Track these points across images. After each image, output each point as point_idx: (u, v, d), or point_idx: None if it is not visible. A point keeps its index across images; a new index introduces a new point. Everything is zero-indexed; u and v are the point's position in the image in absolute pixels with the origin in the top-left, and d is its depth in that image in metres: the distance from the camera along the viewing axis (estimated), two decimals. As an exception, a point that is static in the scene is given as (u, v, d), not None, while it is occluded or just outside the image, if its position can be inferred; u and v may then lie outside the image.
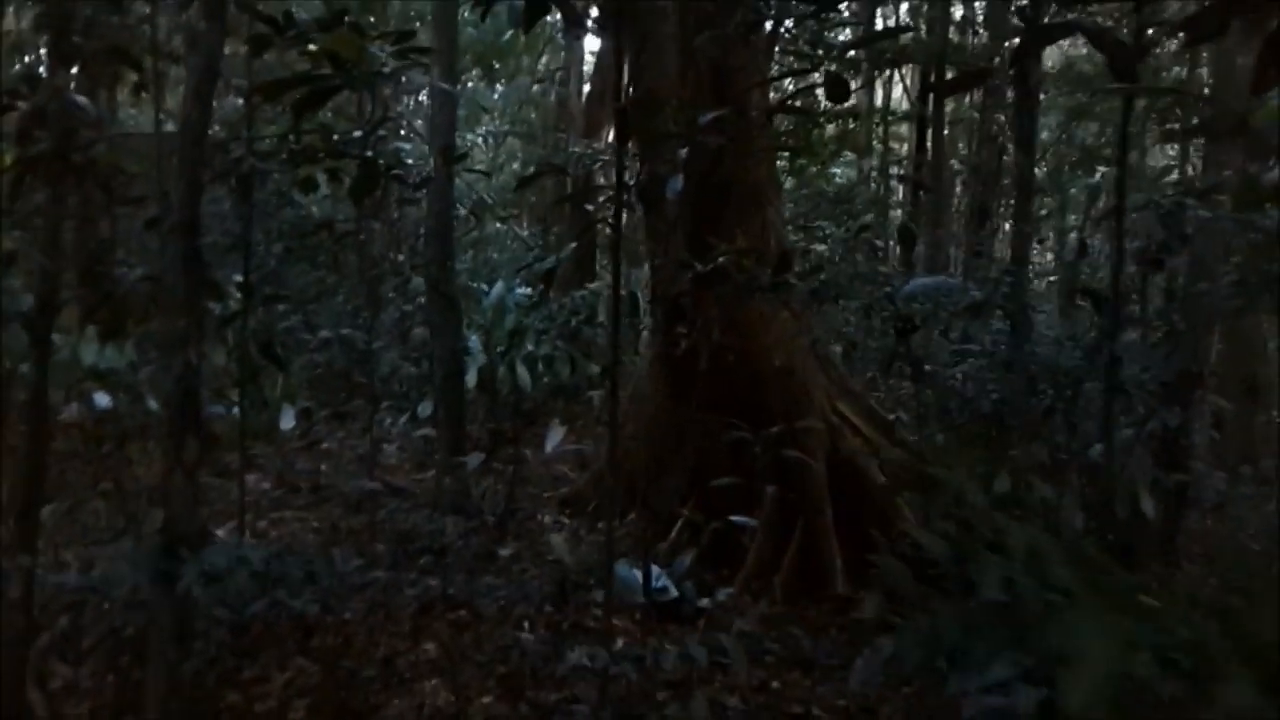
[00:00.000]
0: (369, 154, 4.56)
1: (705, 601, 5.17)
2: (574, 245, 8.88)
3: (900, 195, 23.89)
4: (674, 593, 5.14)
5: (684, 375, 6.20)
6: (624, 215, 6.97)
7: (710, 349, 5.75)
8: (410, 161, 7.78)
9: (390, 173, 4.47)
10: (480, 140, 22.92)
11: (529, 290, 10.79)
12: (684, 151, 3.80)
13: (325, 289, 10.81)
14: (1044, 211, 21.75)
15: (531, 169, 24.34)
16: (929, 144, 19.29)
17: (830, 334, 7.57)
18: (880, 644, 2.72)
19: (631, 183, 5.61)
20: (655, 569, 5.38)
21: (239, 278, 5.76)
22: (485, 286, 11.56)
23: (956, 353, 4.99)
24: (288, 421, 7.65)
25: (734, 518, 4.83)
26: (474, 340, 8.76)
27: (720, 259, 4.07)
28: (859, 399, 6.62)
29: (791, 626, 5.14)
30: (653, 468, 6.55)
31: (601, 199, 6.73)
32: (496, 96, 23.20)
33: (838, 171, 21.32)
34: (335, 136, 5.81)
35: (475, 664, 4.37)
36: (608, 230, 6.86)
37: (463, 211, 12.94)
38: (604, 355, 11.27)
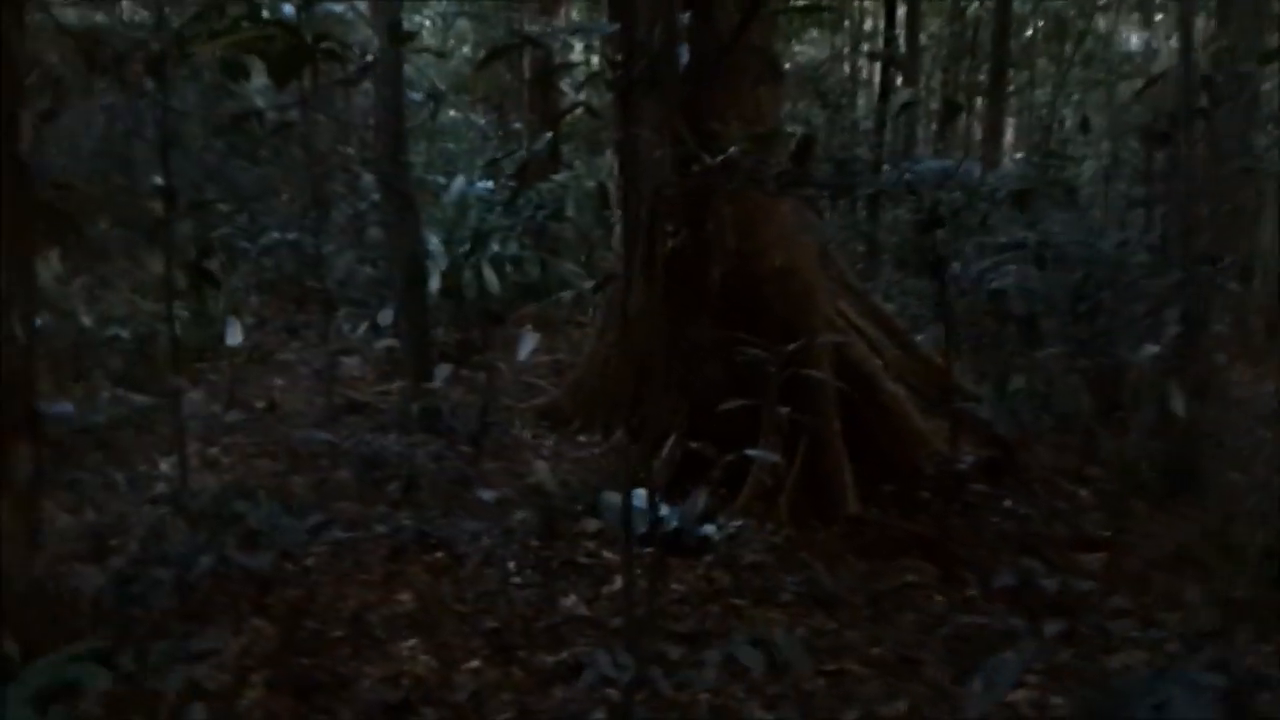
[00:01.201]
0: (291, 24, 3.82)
1: (709, 529, 4.68)
2: (549, 134, 8.08)
3: (865, 74, 22.99)
4: (674, 522, 4.63)
5: (673, 277, 5.61)
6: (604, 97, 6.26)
7: (717, 250, 5.16)
8: (353, 43, 6.97)
9: (319, 45, 3.73)
10: (427, 23, 21.63)
11: (491, 184, 10.04)
12: (686, 16, 3.13)
13: (268, 188, 10.00)
14: (1011, 87, 20.92)
15: (483, 52, 23.08)
16: (898, 18, 18.42)
17: (839, 229, 6.97)
18: (1003, 662, 2.20)
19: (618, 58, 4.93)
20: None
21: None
22: (442, 180, 10.78)
23: (980, 246, 4.43)
24: (234, 336, 6.98)
25: (750, 451, 4.28)
26: (435, 241, 8.06)
27: (733, 147, 3.44)
28: (863, 299, 6.08)
29: (803, 553, 4.68)
30: (640, 379, 6.00)
31: (583, 78, 5.97)
32: (442, -25, 21.82)
33: (798, 50, 20.36)
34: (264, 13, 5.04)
35: (457, 617, 3.86)
36: (582, 114, 6.18)
37: (416, 97, 12.05)
38: (574, 253, 10.61)
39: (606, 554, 4.55)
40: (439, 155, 15.52)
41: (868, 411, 5.46)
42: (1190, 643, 3.60)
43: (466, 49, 22.35)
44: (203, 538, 4.31)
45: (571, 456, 6.12)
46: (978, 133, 19.62)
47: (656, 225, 5.50)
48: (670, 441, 5.69)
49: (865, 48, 21.55)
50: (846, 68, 20.70)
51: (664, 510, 4.79)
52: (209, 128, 12.00)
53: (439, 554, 4.42)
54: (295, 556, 4.29)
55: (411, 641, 3.66)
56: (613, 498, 4.72)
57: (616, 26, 4.90)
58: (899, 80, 18.00)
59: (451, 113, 18.02)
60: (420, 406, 6.63)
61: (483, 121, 17.70)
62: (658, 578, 3.79)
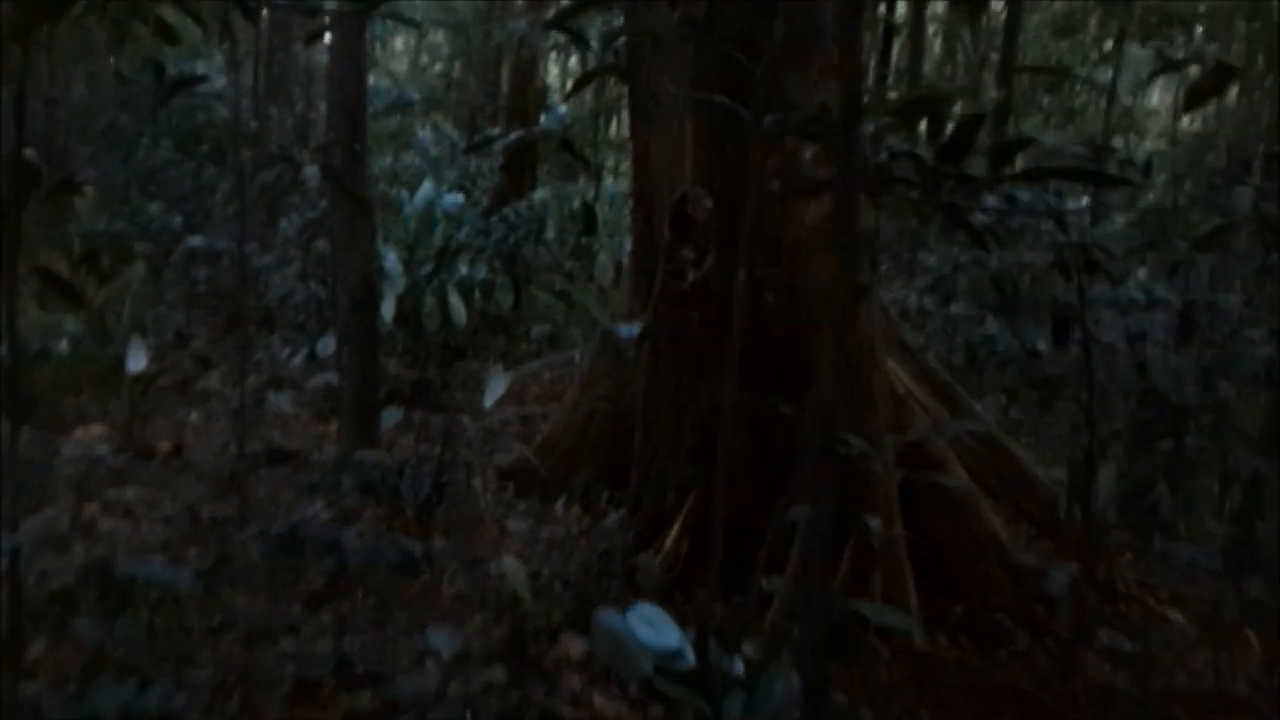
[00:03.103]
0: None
1: (736, 665, 3.46)
2: (544, 116, 6.70)
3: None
4: (689, 657, 3.42)
5: (689, 318, 4.44)
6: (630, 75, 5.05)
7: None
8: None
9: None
10: (399, 43, 20.50)
11: (461, 199, 8.83)
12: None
13: (203, 188, 8.73)
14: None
15: (459, 65, 22.00)
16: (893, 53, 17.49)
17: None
18: None
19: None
20: (655, 612, 3.66)
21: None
22: (406, 194, 9.56)
23: (1113, 301, 3.32)
24: (136, 360, 5.68)
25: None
26: (392, 258, 6.83)
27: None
28: (915, 358, 4.93)
29: (863, 708, 3.48)
30: (644, 442, 4.81)
31: (616, 43, 4.76)
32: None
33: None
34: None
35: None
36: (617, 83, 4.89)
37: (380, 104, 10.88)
38: (551, 282, 9.40)
39: (599, 699, 3.32)
40: (404, 170, 14.34)
41: (929, 507, 4.28)
42: None
43: (439, 65, 21.27)
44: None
45: (546, 537, 4.89)
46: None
47: (680, 244, 4.35)
48: (676, 528, 4.49)
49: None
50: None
51: (674, 635, 3.59)
52: (156, 125, 10.76)
53: (365, 694, 3.17)
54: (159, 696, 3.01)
55: None
56: (610, 619, 3.49)
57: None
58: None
59: (420, 130, 16.83)
60: (360, 458, 5.37)
61: (455, 135, 16.49)
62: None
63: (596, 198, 9.49)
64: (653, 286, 5.15)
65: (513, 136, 5.31)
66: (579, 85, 5.37)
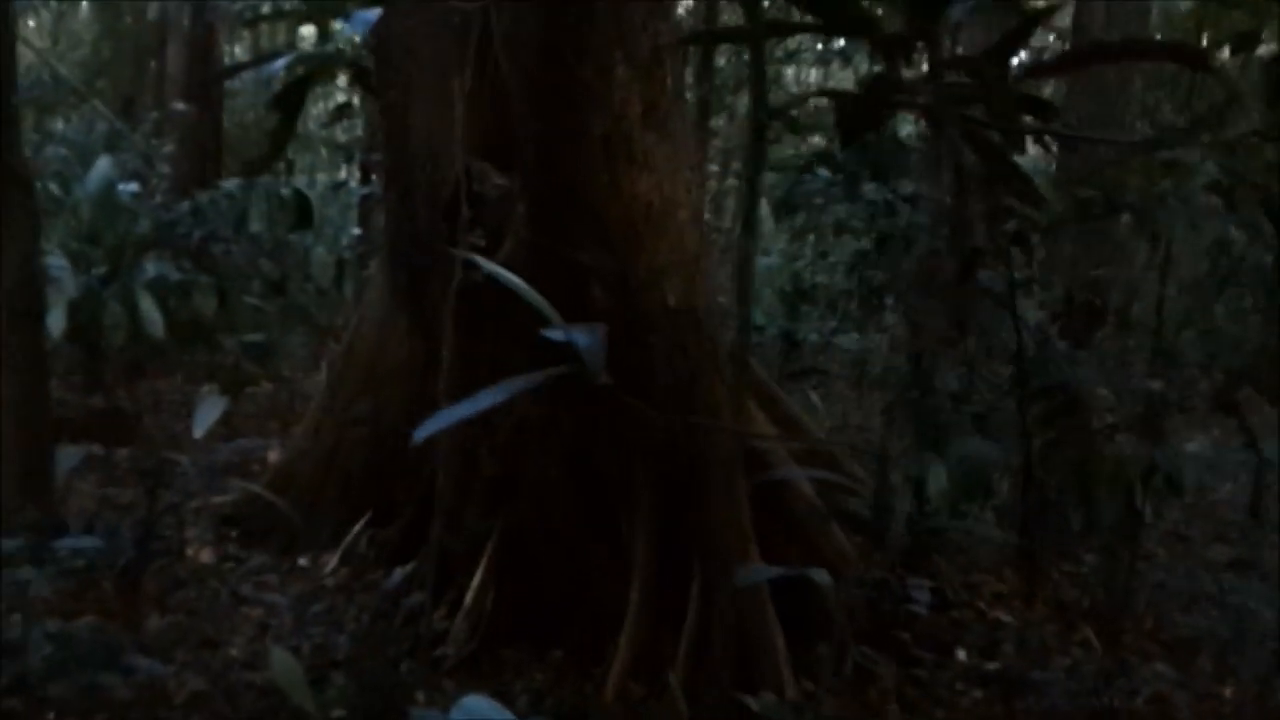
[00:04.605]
0: None
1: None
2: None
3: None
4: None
5: (478, 313, 3.58)
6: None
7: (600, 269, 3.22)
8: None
9: None
10: (31, 23, 17.80)
11: (136, 186, 7.39)
12: None
13: None
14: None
15: (108, 47, 19.55)
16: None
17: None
18: None
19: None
20: (487, 705, 2.82)
21: None
22: (55, 188, 7.89)
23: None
24: None
25: None
26: (57, 259, 5.42)
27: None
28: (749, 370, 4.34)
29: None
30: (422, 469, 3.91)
31: None
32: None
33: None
34: None
35: None
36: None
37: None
38: (250, 282, 8.07)
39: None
40: (49, 161, 12.22)
41: (775, 527, 3.71)
42: None
43: (86, 49, 18.76)
44: None
45: (298, 602, 3.87)
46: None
47: (462, 228, 3.50)
48: (477, 579, 3.63)
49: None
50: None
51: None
52: None
53: None
54: None
55: None
56: (430, 720, 2.61)
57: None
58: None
59: (70, 120, 14.51)
60: (30, 516, 4.09)
61: (115, 122, 14.29)
62: None
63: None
64: (414, 281, 4.29)
65: (289, 57, 4.12)
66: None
